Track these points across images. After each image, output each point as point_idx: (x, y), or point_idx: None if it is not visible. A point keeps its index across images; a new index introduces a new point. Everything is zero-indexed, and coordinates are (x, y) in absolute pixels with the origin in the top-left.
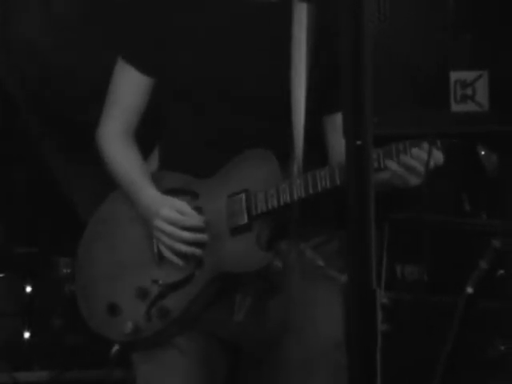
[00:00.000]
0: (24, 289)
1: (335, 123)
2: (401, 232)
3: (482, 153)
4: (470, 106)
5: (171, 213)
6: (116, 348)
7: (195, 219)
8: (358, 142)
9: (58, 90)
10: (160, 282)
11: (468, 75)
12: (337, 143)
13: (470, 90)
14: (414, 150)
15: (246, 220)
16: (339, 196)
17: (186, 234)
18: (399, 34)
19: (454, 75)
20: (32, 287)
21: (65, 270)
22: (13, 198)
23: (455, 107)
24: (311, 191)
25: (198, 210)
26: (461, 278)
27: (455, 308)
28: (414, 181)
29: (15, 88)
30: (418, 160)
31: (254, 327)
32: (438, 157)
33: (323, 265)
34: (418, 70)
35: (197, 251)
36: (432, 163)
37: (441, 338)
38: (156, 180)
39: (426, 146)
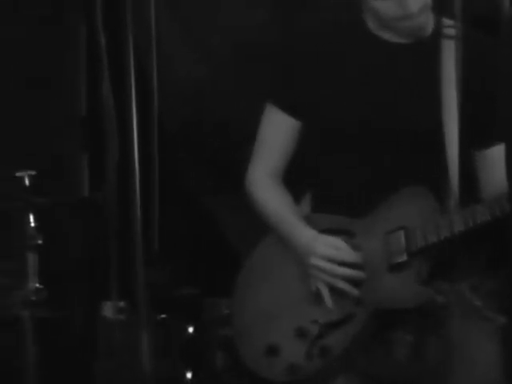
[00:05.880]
0: (186, 329)
1: (486, 159)
2: None
3: None
4: None
5: (327, 249)
6: None
7: (352, 255)
8: None
9: (212, 132)
10: (320, 321)
11: None
12: (489, 180)
13: None
14: None
15: (405, 257)
16: (495, 235)
17: (344, 270)
18: None
19: None
20: (194, 328)
21: (226, 311)
22: (175, 240)
23: None
24: (471, 225)
25: (356, 247)
26: None
27: None
28: None
29: (172, 128)
30: None
31: (413, 367)
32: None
33: (481, 305)
34: None
35: (354, 290)
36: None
37: None
38: (310, 222)
39: None
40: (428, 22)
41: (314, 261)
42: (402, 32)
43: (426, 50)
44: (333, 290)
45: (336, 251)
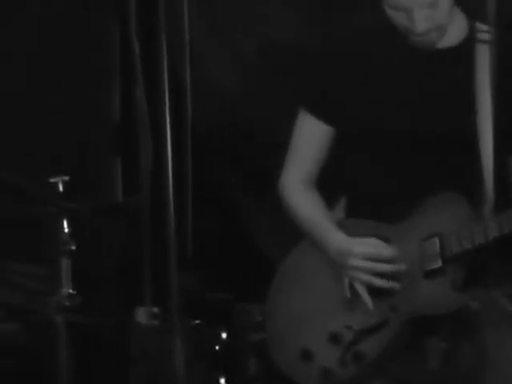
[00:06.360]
0: (219, 335)
1: None
2: None
3: None
4: None
5: (365, 248)
6: None
7: (389, 251)
8: None
9: (245, 135)
10: (354, 327)
11: None
12: None
13: None
14: None
15: (440, 263)
16: None
17: (383, 266)
18: None
19: None
20: (227, 334)
21: (259, 317)
22: (208, 246)
23: None
24: (506, 231)
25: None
26: None
27: None
28: None
29: (205, 131)
30: None
31: (446, 373)
32: None
33: None
34: None
35: (393, 284)
36: None
37: None
38: (344, 227)
39: None
40: (439, 39)
41: (352, 261)
42: (415, 43)
43: (459, 54)
44: (370, 293)
45: (374, 249)
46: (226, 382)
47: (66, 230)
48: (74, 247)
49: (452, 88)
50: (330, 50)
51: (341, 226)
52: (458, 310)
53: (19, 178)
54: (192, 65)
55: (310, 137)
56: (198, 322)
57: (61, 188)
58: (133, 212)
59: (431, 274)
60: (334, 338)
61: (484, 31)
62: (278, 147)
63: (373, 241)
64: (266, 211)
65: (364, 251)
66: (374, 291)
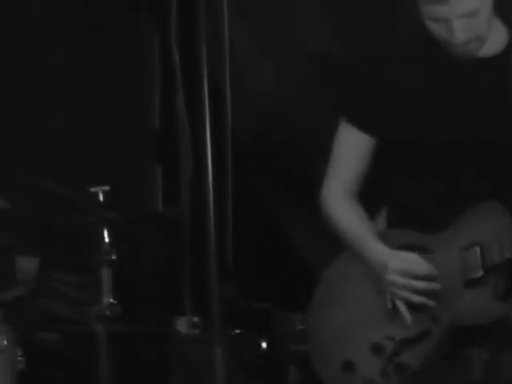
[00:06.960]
0: (259, 345)
1: None
2: None
3: None
4: None
5: (401, 264)
6: None
7: (426, 268)
8: None
9: (285, 145)
10: (396, 338)
11: None
12: None
13: None
14: None
15: (481, 273)
16: None
17: (418, 284)
18: None
19: None
20: (267, 343)
21: (299, 326)
22: (248, 255)
23: None
24: None
25: (432, 263)
26: None
27: None
28: None
29: (245, 141)
30: None
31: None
32: None
33: None
34: None
35: (429, 302)
36: None
37: None
38: (385, 237)
39: None
40: (479, 48)
41: (389, 276)
42: (455, 53)
43: (500, 64)
44: (409, 306)
45: (409, 265)
46: None
47: (107, 240)
48: (114, 257)
49: (493, 97)
50: (370, 60)
51: (382, 236)
52: (500, 319)
53: (60, 188)
54: (232, 73)
55: (351, 147)
56: (238, 331)
57: (101, 198)
58: (173, 221)
59: (472, 284)
60: (376, 349)
61: None
62: (319, 156)
63: (410, 256)
64: (306, 220)
65: (400, 267)
66: (414, 304)
